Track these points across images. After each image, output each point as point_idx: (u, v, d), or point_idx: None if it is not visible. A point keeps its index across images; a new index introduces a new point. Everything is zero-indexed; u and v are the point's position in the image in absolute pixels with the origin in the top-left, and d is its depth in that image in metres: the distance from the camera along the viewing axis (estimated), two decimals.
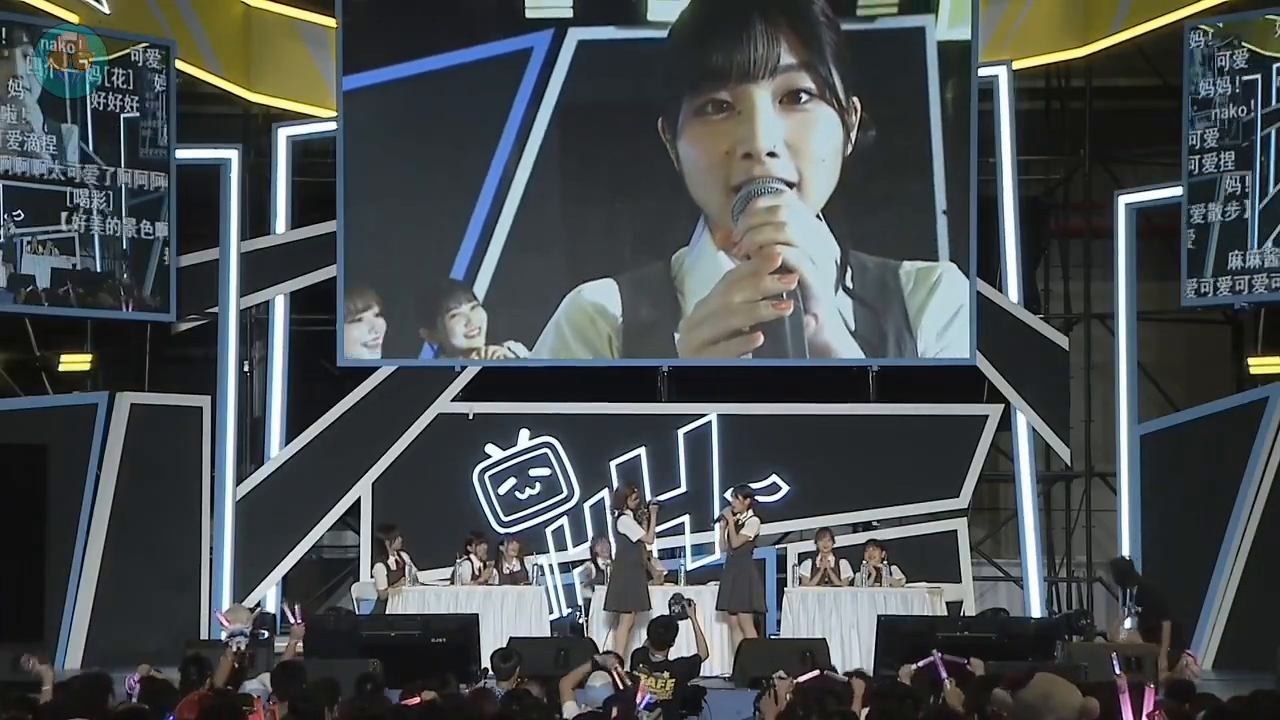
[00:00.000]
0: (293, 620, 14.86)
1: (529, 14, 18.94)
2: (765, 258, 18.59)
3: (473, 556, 17.42)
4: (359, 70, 18.92)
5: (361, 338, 19.02)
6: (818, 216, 18.75)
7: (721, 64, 18.78)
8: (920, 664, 10.78)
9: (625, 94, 19.05)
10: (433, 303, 19.00)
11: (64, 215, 17.77)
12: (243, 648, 12.15)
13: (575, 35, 18.93)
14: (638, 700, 10.27)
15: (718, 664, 16.71)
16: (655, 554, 17.40)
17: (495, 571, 17.31)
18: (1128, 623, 16.06)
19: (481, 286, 18.92)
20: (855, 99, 18.72)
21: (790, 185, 18.73)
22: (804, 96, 18.76)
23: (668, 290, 18.92)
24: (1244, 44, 17.94)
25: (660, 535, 17.53)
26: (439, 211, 19.04)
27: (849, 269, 18.84)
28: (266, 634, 16.01)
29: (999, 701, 8.53)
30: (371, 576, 17.69)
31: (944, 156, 18.82)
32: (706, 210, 18.89)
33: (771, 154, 18.71)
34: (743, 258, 18.79)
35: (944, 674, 10.06)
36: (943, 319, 18.91)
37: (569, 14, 18.94)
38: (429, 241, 19.02)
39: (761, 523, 16.93)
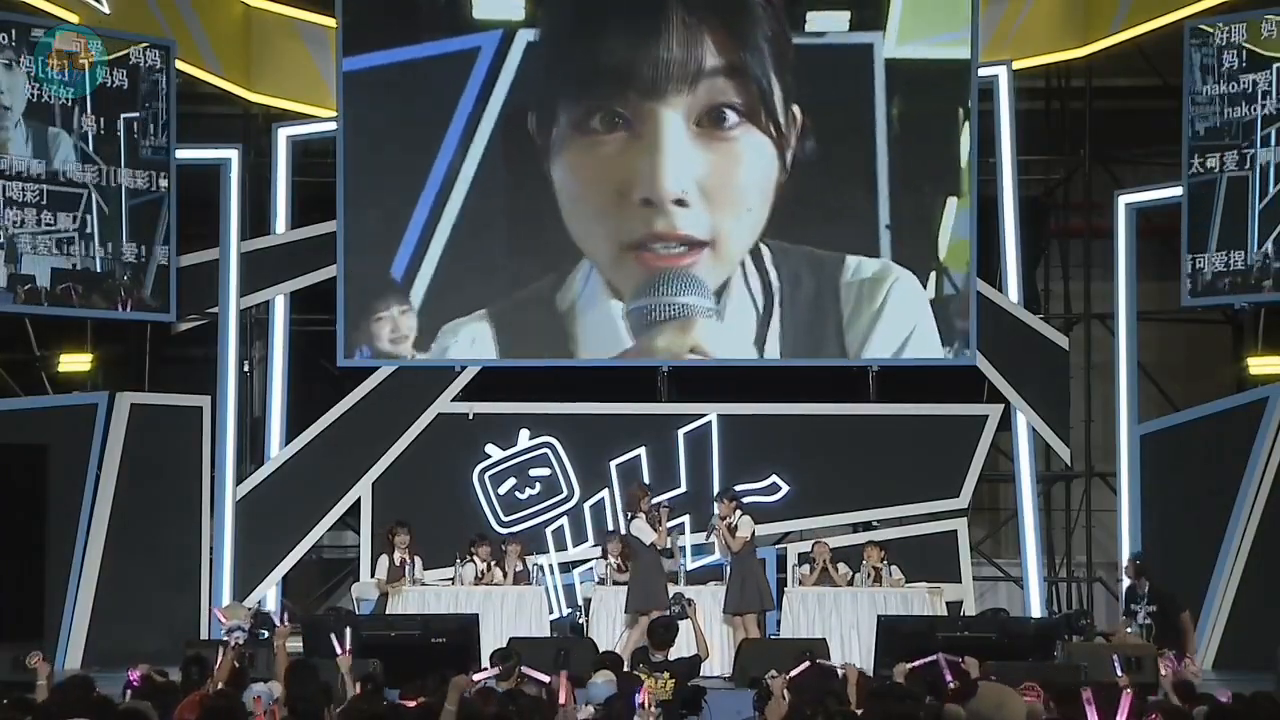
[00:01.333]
0: (276, 622, 14.87)
1: (476, 14, 18.54)
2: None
3: (475, 559, 17.44)
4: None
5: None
6: (760, 244, 18.14)
7: (618, 63, 17.25)
8: (917, 663, 10.77)
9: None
10: (365, 304, 18.73)
11: (64, 215, 17.77)
12: (241, 643, 12.15)
13: (525, 37, 18.46)
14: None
15: (718, 664, 16.72)
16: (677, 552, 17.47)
17: (500, 572, 17.32)
18: (1129, 627, 16.07)
19: (419, 289, 18.63)
20: (795, 108, 18.11)
21: (702, 245, 17.70)
22: (729, 117, 17.45)
23: (557, 330, 18.39)
24: (1244, 44, 17.94)
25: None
26: (382, 210, 18.72)
27: (777, 310, 18.17)
28: (266, 634, 16.01)
29: (952, 716, 8.49)
30: (373, 573, 17.71)
31: (889, 172, 18.56)
32: (590, 257, 18.00)
33: (680, 201, 17.22)
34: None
35: (949, 676, 10.06)
36: (902, 330, 18.64)
37: (520, 15, 18.49)
38: (368, 241, 18.74)
39: (759, 523, 16.96)
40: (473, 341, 18.47)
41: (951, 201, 18.71)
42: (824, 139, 18.39)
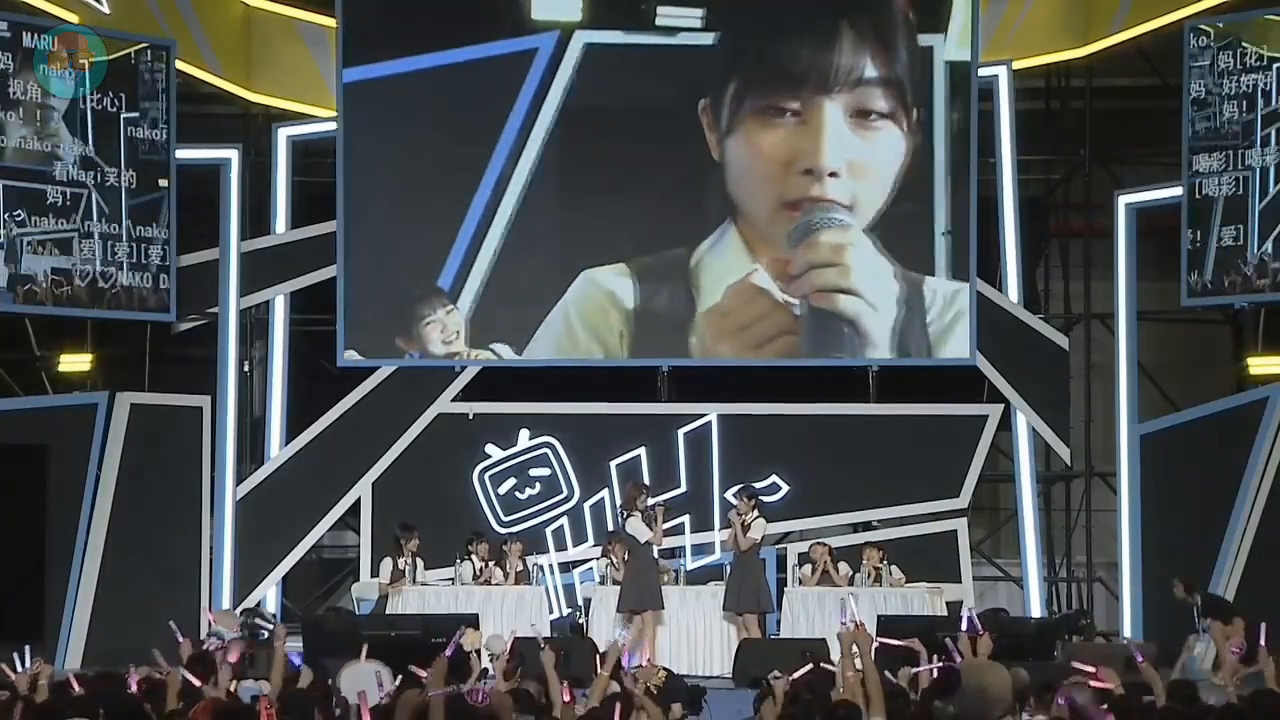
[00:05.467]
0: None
1: (535, 15, 18.80)
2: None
3: (473, 557, 17.45)
4: (361, 63, 18.81)
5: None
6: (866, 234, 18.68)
7: (799, 69, 18.55)
8: (923, 668, 10.75)
9: (631, 97, 18.88)
10: (409, 310, 18.87)
11: (64, 215, 17.76)
12: (213, 650, 12.10)
13: (582, 38, 18.81)
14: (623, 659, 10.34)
15: (717, 664, 16.75)
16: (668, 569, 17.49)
17: (498, 571, 17.34)
18: (1198, 647, 16.02)
19: (471, 289, 18.76)
20: (916, 110, 18.67)
21: (846, 208, 18.57)
22: (875, 115, 18.63)
23: (682, 282, 18.82)
24: (1244, 44, 17.95)
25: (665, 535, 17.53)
26: (431, 213, 18.89)
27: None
28: (266, 634, 16.03)
29: (939, 714, 8.41)
30: (376, 573, 17.72)
31: (946, 177, 18.78)
32: (745, 210, 18.73)
33: (834, 174, 18.54)
34: (800, 296, 18.58)
35: (960, 659, 10.04)
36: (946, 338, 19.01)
37: (577, 17, 18.82)
38: (418, 244, 18.88)
39: (766, 523, 16.98)
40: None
41: None
42: None
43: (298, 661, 11.28)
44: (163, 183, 18.30)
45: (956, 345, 18.87)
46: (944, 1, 18.75)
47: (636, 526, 16.65)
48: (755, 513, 16.74)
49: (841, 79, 18.55)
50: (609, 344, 18.87)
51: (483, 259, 18.82)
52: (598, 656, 10.52)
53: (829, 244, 18.57)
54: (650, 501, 17.11)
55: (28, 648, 10.85)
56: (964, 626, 11.20)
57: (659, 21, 18.86)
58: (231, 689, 9.98)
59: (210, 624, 15.63)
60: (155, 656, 10.95)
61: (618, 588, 16.93)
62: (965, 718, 7.65)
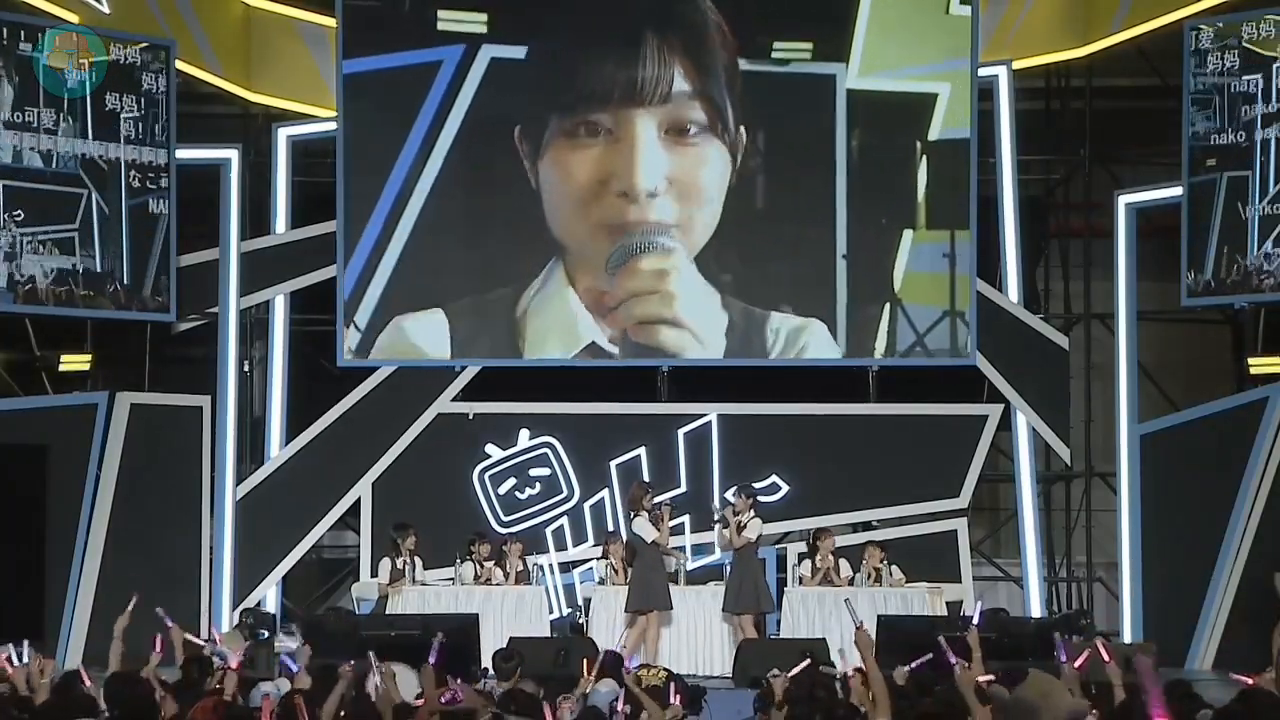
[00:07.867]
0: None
1: (441, 26, 18.74)
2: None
3: (474, 557, 17.44)
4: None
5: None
6: (692, 261, 18.54)
7: (604, 83, 18.26)
8: (916, 664, 10.78)
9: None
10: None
11: (64, 215, 17.76)
12: (218, 666, 12.09)
13: (488, 52, 18.70)
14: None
15: (717, 664, 16.74)
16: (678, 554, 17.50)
17: (499, 571, 17.34)
18: None
19: (366, 310, 18.80)
20: (743, 128, 18.48)
21: (673, 227, 18.34)
22: (693, 129, 18.38)
23: (508, 329, 18.72)
24: (1244, 44, 17.95)
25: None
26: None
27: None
28: (266, 634, 16.04)
29: (996, 697, 8.54)
30: (375, 573, 17.72)
31: (847, 202, 18.76)
32: (564, 244, 18.51)
33: (652, 194, 18.25)
34: (619, 329, 18.44)
35: (952, 657, 10.09)
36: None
37: (483, 30, 18.71)
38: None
39: (763, 523, 16.96)
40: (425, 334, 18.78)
41: (907, 234, 18.95)
42: (786, 167, 18.74)
43: (295, 666, 11.26)
44: (163, 183, 18.32)
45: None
46: (845, 32, 18.73)
47: (643, 526, 16.66)
48: (751, 512, 16.73)
49: (650, 92, 18.23)
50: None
51: (377, 281, 18.81)
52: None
53: (650, 270, 18.34)
54: (655, 500, 17.13)
55: (26, 642, 10.90)
56: (976, 620, 11.38)
57: None
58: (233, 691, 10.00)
59: (215, 643, 15.58)
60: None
61: (618, 588, 16.93)
62: (1019, 708, 7.81)
